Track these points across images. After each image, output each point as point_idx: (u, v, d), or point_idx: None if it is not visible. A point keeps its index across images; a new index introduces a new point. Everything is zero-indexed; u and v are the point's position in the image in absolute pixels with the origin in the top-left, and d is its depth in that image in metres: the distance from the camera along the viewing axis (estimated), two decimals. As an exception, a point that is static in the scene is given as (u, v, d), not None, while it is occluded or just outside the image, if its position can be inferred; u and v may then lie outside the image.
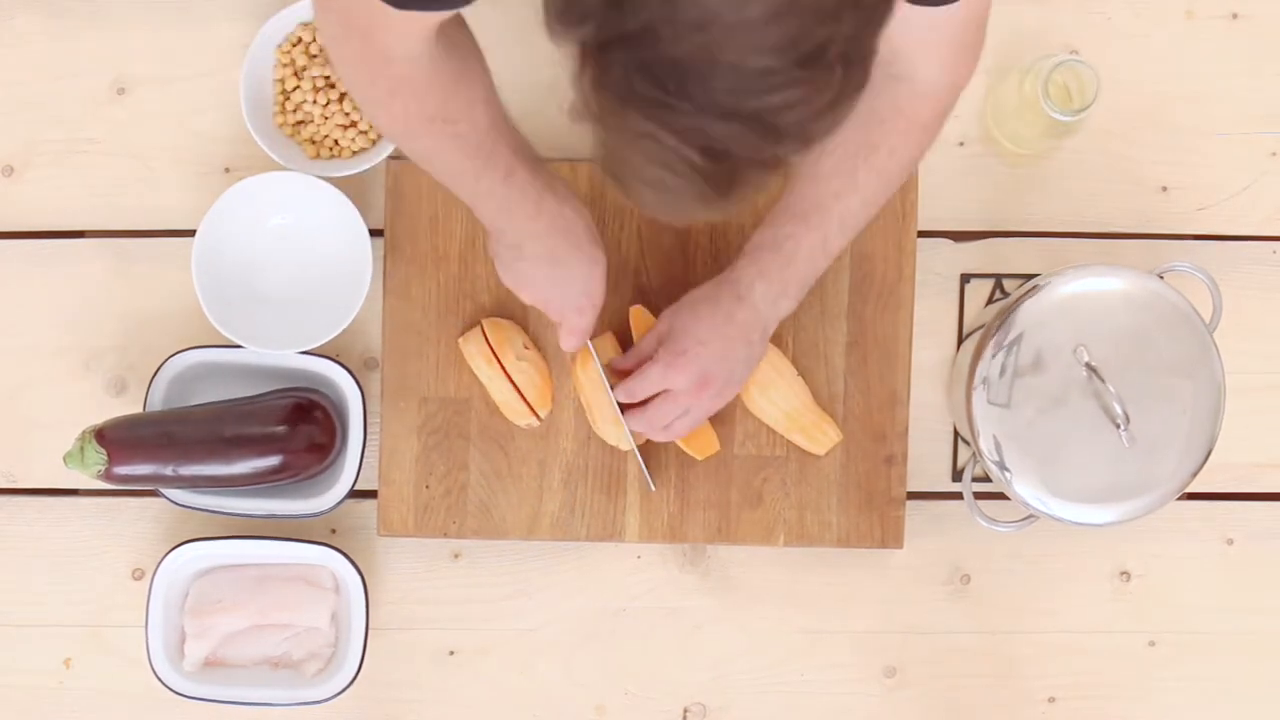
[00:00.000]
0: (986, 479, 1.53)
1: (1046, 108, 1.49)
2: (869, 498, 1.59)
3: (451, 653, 1.64)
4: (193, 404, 1.59)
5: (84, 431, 1.53)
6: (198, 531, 1.62)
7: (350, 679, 1.58)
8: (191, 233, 1.58)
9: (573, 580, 1.63)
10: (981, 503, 1.54)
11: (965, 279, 1.63)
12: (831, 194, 1.40)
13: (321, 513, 1.58)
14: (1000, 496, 1.53)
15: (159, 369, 1.59)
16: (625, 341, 1.58)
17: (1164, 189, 1.64)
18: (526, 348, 1.58)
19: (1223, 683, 1.64)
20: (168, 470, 1.53)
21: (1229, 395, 1.49)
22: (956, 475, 1.63)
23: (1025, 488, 1.49)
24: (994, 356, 1.48)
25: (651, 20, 0.94)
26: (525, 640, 1.64)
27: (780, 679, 1.64)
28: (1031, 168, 1.63)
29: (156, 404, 1.58)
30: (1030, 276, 1.54)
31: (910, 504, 1.61)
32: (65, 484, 1.64)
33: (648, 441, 1.57)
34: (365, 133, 1.60)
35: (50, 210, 1.65)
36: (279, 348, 1.57)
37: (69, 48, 1.64)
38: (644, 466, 1.57)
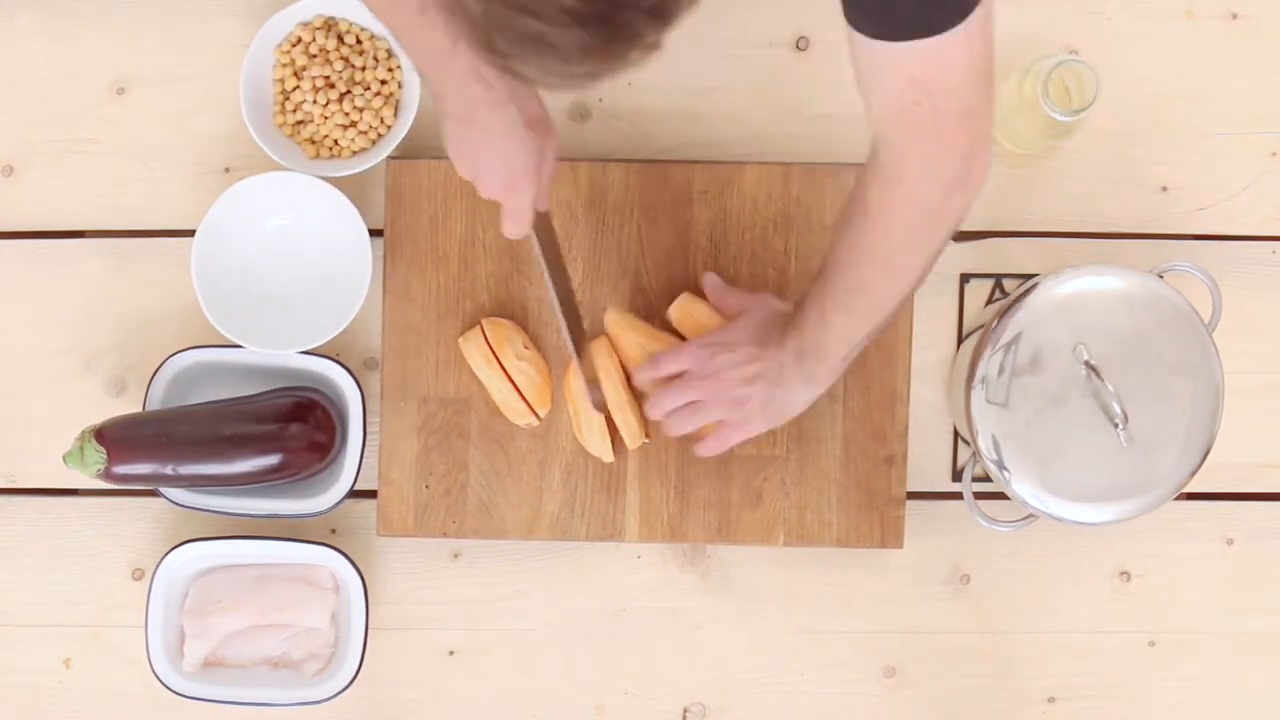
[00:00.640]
0: (986, 479, 1.54)
1: (1046, 108, 1.49)
2: (869, 497, 1.59)
3: (451, 653, 1.64)
4: (192, 404, 1.59)
5: (84, 431, 1.53)
6: (197, 531, 1.62)
7: (350, 679, 1.58)
8: (191, 233, 1.58)
9: (573, 580, 1.63)
10: (981, 502, 1.54)
11: (965, 279, 1.63)
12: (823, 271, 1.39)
13: (321, 512, 1.58)
14: (1000, 496, 1.53)
15: (158, 369, 1.59)
16: (617, 346, 1.58)
17: (1164, 189, 1.64)
18: (526, 347, 1.58)
19: (1223, 683, 1.63)
20: (167, 470, 1.54)
21: (1228, 395, 1.49)
22: (956, 475, 1.63)
23: (1024, 487, 1.49)
24: (993, 356, 1.48)
25: None
26: (525, 640, 1.64)
27: (780, 679, 1.64)
28: (1031, 168, 1.63)
29: (156, 404, 1.58)
30: (1030, 276, 1.54)
31: (910, 504, 1.60)
32: (65, 484, 1.64)
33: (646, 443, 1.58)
34: (365, 133, 1.60)
35: (50, 210, 1.65)
36: (279, 348, 1.57)
37: (69, 48, 1.64)
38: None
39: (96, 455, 1.51)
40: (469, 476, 1.60)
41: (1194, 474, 1.48)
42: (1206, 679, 1.63)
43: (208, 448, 1.54)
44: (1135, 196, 1.63)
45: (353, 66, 1.60)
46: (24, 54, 1.65)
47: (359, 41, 1.61)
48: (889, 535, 1.59)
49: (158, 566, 1.58)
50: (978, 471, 1.53)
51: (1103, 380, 1.46)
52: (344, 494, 1.58)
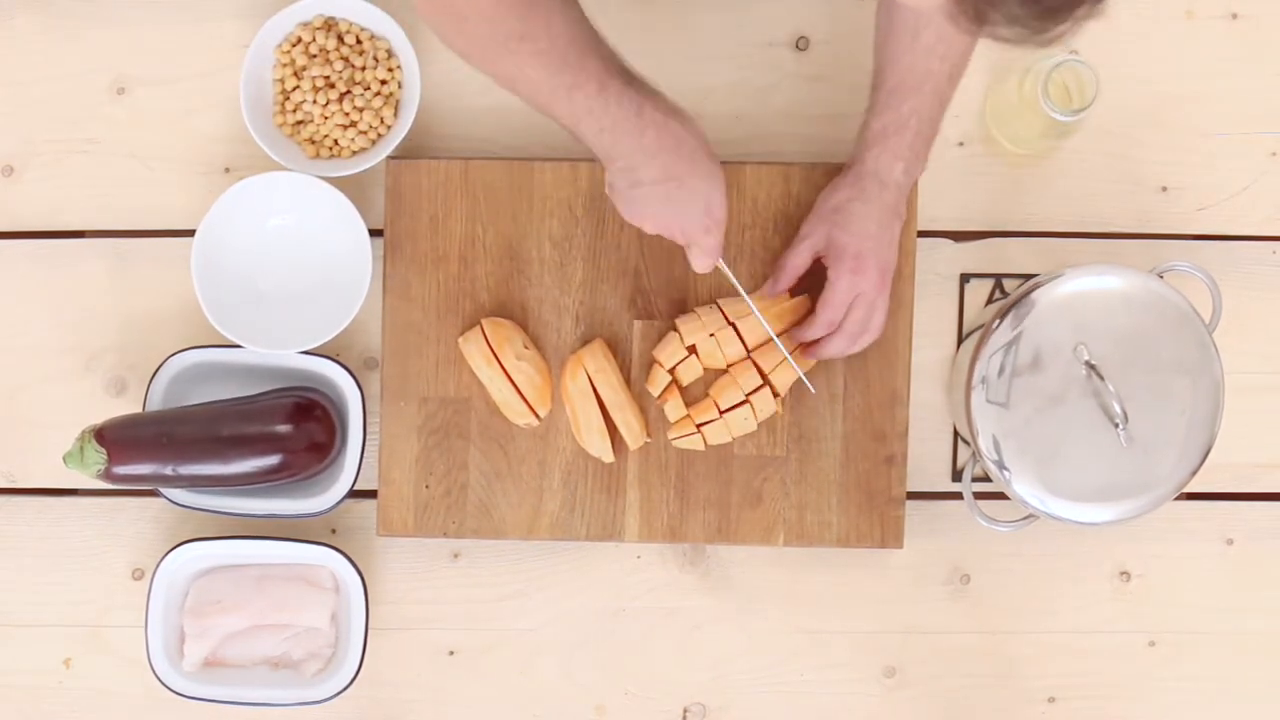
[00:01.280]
0: (986, 479, 1.54)
1: (1046, 108, 1.49)
2: (869, 498, 1.59)
3: (451, 653, 1.64)
4: (192, 404, 1.59)
5: (84, 431, 1.53)
6: (197, 531, 1.62)
7: (350, 679, 1.58)
8: (191, 233, 1.58)
9: (572, 580, 1.63)
10: (981, 502, 1.54)
11: (965, 279, 1.63)
12: (938, 58, 1.43)
13: (321, 512, 1.58)
14: (1000, 496, 1.53)
15: (159, 369, 1.59)
16: (617, 347, 1.58)
17: (1164, 189, 1.64)
18: (526, 347, 1.58)
19: (1223, 683, 1.63)
20: (167, 470, 1.54)
21: (1228, 395, 1.49)
22: (956, 475, 1.63)
23: (1024, 487, 1.49)
24: (993, 356, 1.48)
25: None
26: (525, 640, 1.64)
27: (780, 679, 1.64)
28: (1031, 168, 1.63)
29: (156, 404, 1.58)
30: (1030, 276, 1.54)
31: (910, 504, 1.60)
32: (65, 484, 1.64)
33: (645, 441, 1.58)
34: (365, 133, 1.60)
35: (50, 210, 1.65)
36: (279, 348, 1.57)
37: (69, 48, 1.64)
38: (803, 376, 1.56)
39: (96, 455, 1.51)
40: (469, 476, 1.60)
41: (1194, 474, 1.48)
42: (1206, 679, 1.63)
43: (208, 448, 1.54)
44: (1135, 196, 1.63)
45: (353, 66, 1.60)
46: (24, 54, 1.65)
47: (359, 41, 1.61)
48: (889, 535, 1.59)
49: (158, 566, 1.58)
50: (978, 471, 1.53)
51: (1103, 380, 1.46)
52: (344, 494, 1.58)
